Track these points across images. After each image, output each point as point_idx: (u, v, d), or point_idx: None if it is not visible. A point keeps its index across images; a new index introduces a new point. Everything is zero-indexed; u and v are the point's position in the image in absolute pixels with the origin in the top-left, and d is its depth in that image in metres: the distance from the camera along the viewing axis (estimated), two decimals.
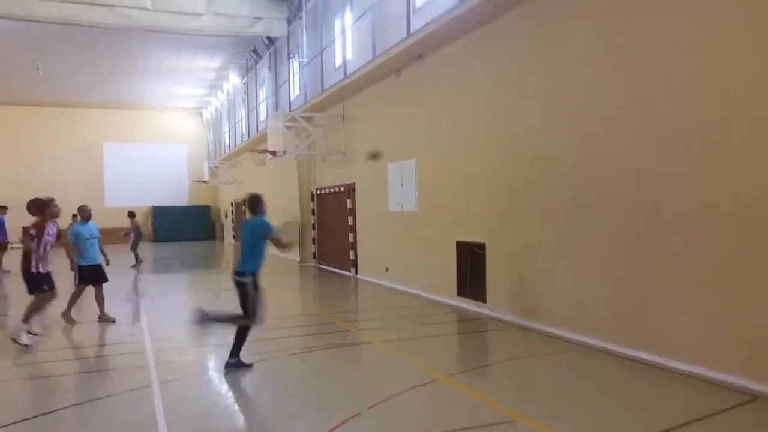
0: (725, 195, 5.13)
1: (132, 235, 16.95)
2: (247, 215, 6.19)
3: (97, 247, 8.70)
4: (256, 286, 5.89)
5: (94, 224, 8.82)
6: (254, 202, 6.08)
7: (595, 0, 6.57)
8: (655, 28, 5.80)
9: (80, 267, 8.57)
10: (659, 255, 5.74)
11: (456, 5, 8.24)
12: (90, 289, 8.69)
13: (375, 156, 10.29)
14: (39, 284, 7.32)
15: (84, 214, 8.76)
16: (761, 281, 4.83)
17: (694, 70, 5.40)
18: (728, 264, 5.10)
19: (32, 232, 7.30)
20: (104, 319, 8.62)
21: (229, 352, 5.93)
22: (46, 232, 7.36)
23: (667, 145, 5.66)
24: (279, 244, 5.96)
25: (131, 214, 17.30)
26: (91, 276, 8.59)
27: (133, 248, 16.90)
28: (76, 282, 8.77)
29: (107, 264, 9.07)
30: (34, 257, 7.27)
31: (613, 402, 4.91)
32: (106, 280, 8.75)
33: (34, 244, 7.27)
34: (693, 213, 5.40)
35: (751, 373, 4.90)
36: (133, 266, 16.39)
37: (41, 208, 7.49)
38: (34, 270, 7.28)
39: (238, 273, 5.87)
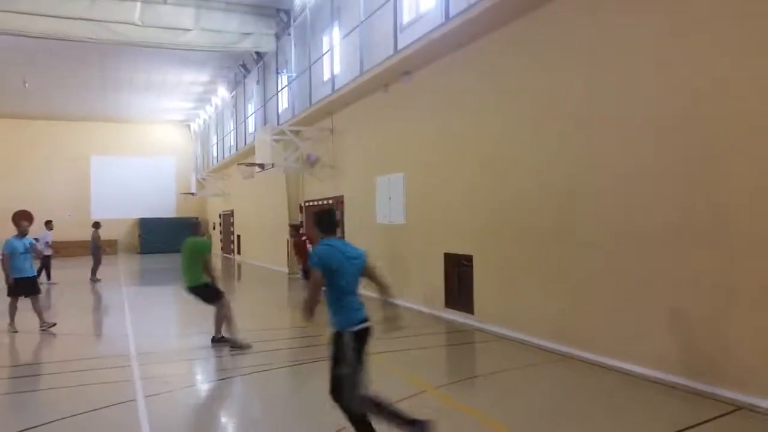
0: (713, 221, 5.28)
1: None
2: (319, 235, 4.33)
3: (30, 260, 8.99)
4: None
5: (30, 239, 9.05)
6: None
7: (581, 21, 6.68)
8: (645, 48, 5.88)
9: (16, 280, 8.70)
10: (631, 276, 5.89)
11: (442, 23, 8.42)
12: (27, 302, 8.85)
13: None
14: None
15: (21, 228, 8.93)
16: None
17: (694, 89, 5.43)
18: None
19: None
20: (46, 327, 8.77)
21: None
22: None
23: (660, 168, 5.67)
24: None
25: (95, 225, 16.80)
26: (24, 288, 8.80)
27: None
28: (8, 294, 8.88)
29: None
30: None
31: (599, 413, 4.99)
32: (38, 292, 9.04)
33: None
34: (678, 238, 5.55)
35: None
36: (94, 280, 16.00)
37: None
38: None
39: None
